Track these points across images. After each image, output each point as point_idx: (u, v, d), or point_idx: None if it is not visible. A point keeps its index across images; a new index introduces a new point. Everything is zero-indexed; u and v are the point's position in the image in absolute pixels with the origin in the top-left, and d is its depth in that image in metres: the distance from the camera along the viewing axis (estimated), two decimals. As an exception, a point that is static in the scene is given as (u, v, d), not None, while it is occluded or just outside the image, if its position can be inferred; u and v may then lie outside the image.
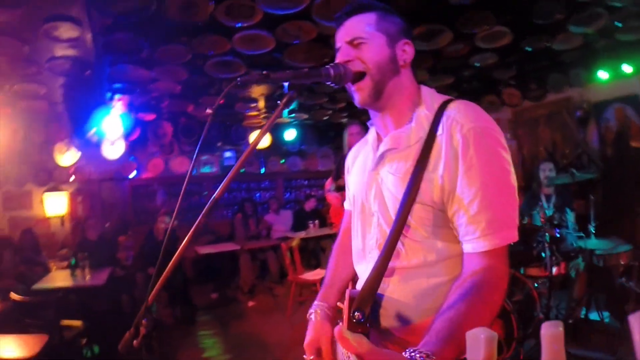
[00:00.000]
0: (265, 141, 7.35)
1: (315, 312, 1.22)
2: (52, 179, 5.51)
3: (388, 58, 1.07)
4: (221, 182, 0.94)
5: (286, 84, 0.98)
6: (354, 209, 1.22)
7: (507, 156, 0.97)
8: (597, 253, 3.55)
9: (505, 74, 5.30)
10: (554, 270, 3.40)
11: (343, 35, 1.09)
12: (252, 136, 7.41)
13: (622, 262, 3.51)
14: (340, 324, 1.09)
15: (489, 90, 6.13)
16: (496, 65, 4.82)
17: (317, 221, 7.35)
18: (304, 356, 1.17)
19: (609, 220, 4.31)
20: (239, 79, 0.97)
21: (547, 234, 3.39)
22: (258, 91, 5.65)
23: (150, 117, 6.22)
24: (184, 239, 0.94)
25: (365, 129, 4.35)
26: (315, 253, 7.24)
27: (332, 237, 6.94)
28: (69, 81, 4.13)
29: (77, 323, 3.12)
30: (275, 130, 7.64)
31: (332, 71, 1.01)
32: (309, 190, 8.78)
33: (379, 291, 1.02)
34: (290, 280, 5.09)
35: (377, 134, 1.17)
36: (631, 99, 5.04)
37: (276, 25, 3.58)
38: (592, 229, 3.56)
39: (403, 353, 0.75)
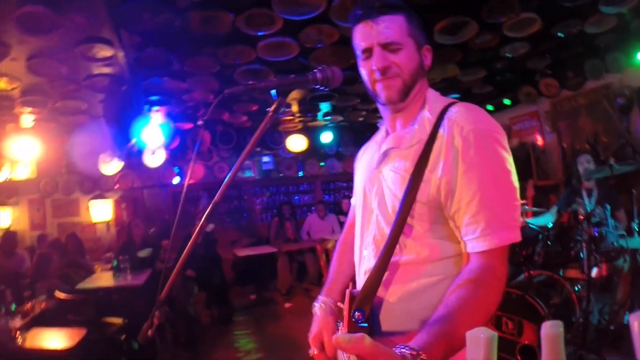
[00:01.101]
0: (302, 144, 7.43)
1: (320, 307, 1.26)
2: (97, 187, 5.90)
3: (418, 65, 1.09)
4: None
5: (274, 91, 1.01)
6: (357, 205, 1.25)
7: (508, 157, 0.97)
8: (641, 253, 3.33)
9: (539, 63, 5.05)
10: (595, 272, 3.19)
11: (375, 35, 1.05)
12: (288, 141, 7.49)
13: None
14: (341, 325, 1.12)
15: (525, 81, 5.87)
16: (529, 54, 4.61)
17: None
18: (309, 351, 1.21)
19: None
20: (226, 91, 1.03)
21: (585, 232, 3.20)
22: (291, 96, 5.74)
23: (188, 125, 6.47)
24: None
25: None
26: (351, 254, 7.22)
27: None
28: (107, 96, 4.40)
29: (117, 320, 3.33)
30: (312, 133, 7.67)
31: (319, 75, 1.03)
32: (347, 192, 8.77)
33: (380, 289, 1.02)
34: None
35: (386, 133, 1.20)
36: None
37: (298, 31, 3.64)
38: (635, 227, 3.34)
39: (394, 349, 0.75)
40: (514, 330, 2.72)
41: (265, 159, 8.21)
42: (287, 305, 5.78)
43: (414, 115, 1.10)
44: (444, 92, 1.18)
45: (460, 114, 1.00)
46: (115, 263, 4.24)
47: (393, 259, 1.01)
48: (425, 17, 3.93)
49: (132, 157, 5.83)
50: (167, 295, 1.02)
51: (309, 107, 6.37)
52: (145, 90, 4.57)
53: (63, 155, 5.53)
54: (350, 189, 8.81)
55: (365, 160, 1.26)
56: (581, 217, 3.34)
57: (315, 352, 1.20)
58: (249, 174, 8.10)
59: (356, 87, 5.30)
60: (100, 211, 5.71)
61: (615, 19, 3.86)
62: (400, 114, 1.13)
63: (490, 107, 6.51)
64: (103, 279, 4.28)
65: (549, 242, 3.47)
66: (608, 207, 3.47)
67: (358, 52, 1.10)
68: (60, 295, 3.26)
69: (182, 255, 1.04)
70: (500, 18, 3.61)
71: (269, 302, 6.05)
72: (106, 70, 3.72)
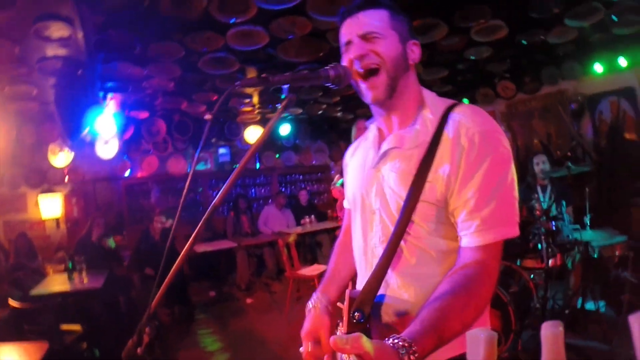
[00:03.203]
0: (259, 136, 7.30)
1: (315, 305, 1.22)
2: (46, 180, 5.45)
3: (401, 55, 1.08)
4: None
5: (286, 86, 0.96)
6: (353, 207, 1.22)
7: (508, 155, 1.00)
8: (593, 245, 3.59)
9: (499, 67, 5.31)
10: (550, 261, 3.42)
11: (355, 29, 1.07)
12: (247, 132, 7.37)
13: (617, 253, 3.55)
14: (340, 324, 1.10)
15: (484, 83, 6.15)
16: (491, 58, 4.82)
17: (312, 216, 7.35)
18: (301, 349, 1.16)
19: (603, 212, 4.35)
20: (237, 82, 0.96)
21: (542, 226, 3.41)
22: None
23: (143, 115, 6.17)
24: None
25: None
26: (311, 248, 7.25)
27: (329, 231, 6.96)
28: (60, 81, 4.07)
29: (76, 327, 3.09)
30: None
31: (332, 72, 1.01)
32: (303, 184, 8.76)
33: (381, 290, 1.02)
34: (287, 277, 5.09)
35: (379, 131, 1.18)
36: (626, 92, 5.12)
37: (270, 21, 3.56)
38: (587, 221, 3.59)
39: (386, 340, 0.77)
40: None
41: (222, 150, 8.03)
42: (248, 300, 5.69)
43: (411, 114, 1.10)
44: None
45: (466, 115, 1.02)
46: (70, 264, 3.93)
47: (396, 258, 1.02)
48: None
49: (84, 147, 5.46)
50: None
51: (269, 99, 6.27)
52: (101, 76, 4.28)
53: (7, 145, 5.05)
54: (306, 181, 8.84)
55: (357, 160, 1.24)
56: (538, 212, 3.57)
57: (309, 349, 1.15)
58: (203, 166, 7.87)
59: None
60: (50, 207, 5.27)
61: (577, 31, 4.13)
62: (395, 112, 1.12)
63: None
64: (57, 282, 3.95)
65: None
66: (564, 203, 3.71)
67: (342, 48, 1.11)
68: (13, 303, 2.96)
69: (176, 263, 0.95)
70: (470, 23, 3.74)
71: (228, 298, 5.93)
72: (62, 51, 3.43)
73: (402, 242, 1.02)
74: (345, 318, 1.02)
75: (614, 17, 3.83)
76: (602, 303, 3.52)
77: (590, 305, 3.53)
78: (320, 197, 8.89)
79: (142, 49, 3.72)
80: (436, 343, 0.81)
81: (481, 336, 0.61)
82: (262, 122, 7.43)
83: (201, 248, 6.02)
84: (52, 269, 4.41)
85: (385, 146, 1.10)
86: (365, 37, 1.05)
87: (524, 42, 4.33)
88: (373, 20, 1.06)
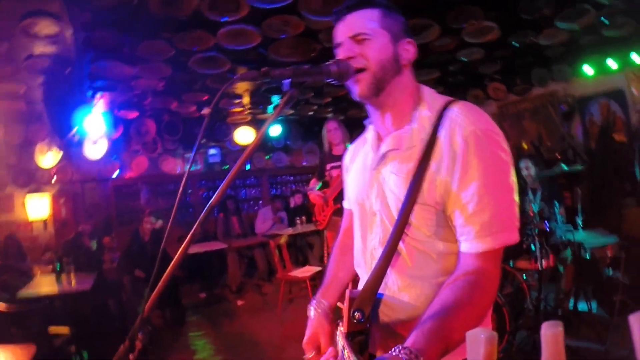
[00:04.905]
0: (250, 137, 7.27)
1: (315, 310, 1.21)
2: (33, 181, 5.35)
3: (391, 57, 1.05)
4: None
5: (287, 81, 0.93)
6: (354, 208, 1.21)
7: (507, 158, 0.97)
8: (585, 246, 3.61)
9: (490, 68, 5.35)
10: (544, 263, 3.43)
11: (345, 30, 1.06)
12: (237, 133, 7.31)
13: (609, 254, 3.57)
14: (340, 324, 1.09)
15: (475, 84, 6.18)
16: (482, 60, 4.85)
17: (303, 217, 7.32)
18: (304, 357, 1.16)
19: (595, 213, 4.38)
20: (237, 75, 0.93)
21: (536, 227, 3.42)
22: (243, 87, 5.58)
23: (132, 114, 6.09)
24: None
25: (344, 125, 4.26)
26: (302, 250, 7.22)
27: (320, 233, 6.93)
28: (48, 80, 4.00)
29: (64, 330, 3.02)
30: (260, 125, 7.50)
31: (333, 68, 0.99)
32: (294, 186, 8.72)
33: (380, 291, 1.02)
34: (279, 278, 5.05)
35: (377, 133, 1.16)
36: (616, 94, 5.18)
37: (262, 20, 3.54)
38: (579, 222, 3.61)
39: (391, 351, 0.77)
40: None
41: (212, 151, 7.97)
42: (239, 302, 5.64)
43: (406, 112, 1.07)
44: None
45: (462, 114, 0.99)
46: (58, 265, 3.84)
47: (394, 259, 1.01)
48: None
49: (72, 147, 5.37)
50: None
51: (260, 99, 6.23)
52: (90, 75, 4.22)
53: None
54: (297, 182, 8.80)
55: (358, 162, 1.23)
56: (531, 214, 3.58)
57: (311, 357, 1.15)
58: (193, 167, 7.80)
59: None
60: (38, 207, 5.17)
61: (567, 33, 4.17)
62: (387, 110, 1.09)
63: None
64: (45, 284, 3.84)
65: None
66: (557, 203, 3.72)
67: (334, 48, 1.10)
68: (0, 306, 2.88)
69: (169, 267, 0.89)
70: (462, 24, 3.76)
71: (220, 299, 5.88)
72: (50, 49, 3.36)
73: (400, 244, 1.01)
74: (345, 318, 1.02)
75: (604, 20, 3.86)
76: (594, 304, 3.54)
77: (582, 306, 3.56)
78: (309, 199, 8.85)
79: (131, 47, 3.68)
80: (441, 352, 0.82)
81: (481, 336, 0.61)
82: (253, 122, 7.38)
83: (192, 249, 5.90)
84: (40, 271, 4.31)
85: (384, 148, 1.08)
86: (355, 38, 1.04)
87: (515, 43, 4.36)
88: (364, 20, 1.04)
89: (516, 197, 0.97)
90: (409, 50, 1.08)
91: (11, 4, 2.55)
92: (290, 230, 6.68)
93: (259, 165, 8.36)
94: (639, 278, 3.36)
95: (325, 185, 4.30)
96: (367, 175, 1.14)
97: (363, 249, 1.15)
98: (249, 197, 8.32)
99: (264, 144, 8.15)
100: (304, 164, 8.83)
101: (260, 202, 8.23)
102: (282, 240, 5.28)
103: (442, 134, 0.98)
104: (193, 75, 4.66)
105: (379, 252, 1.06)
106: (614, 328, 3.11)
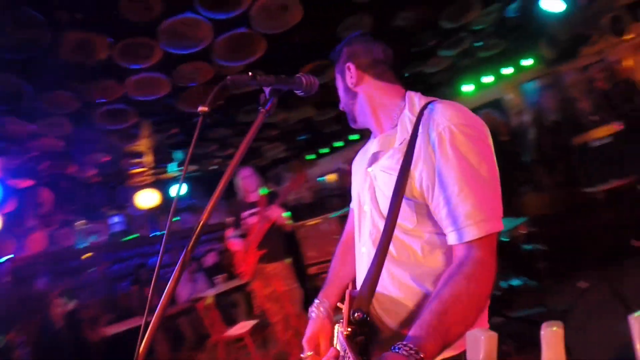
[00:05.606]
0: (154, 200, 6.76)
1: (317, 310, 1.25)
2: None
3: (344, 91, 1.25)
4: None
5: (267, 89, 1.01)
6: (354, 207, 1.30)
7: (486, 150, 1.01)
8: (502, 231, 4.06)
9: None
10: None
11: None
12: (138, 197, 6.64)
13: (523, 232, 3.95)
14: (341, 323, 1.12)
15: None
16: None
17: (221, 276, 7.00)
18: (302, 355, 1.18)
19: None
20: (229, 77, 0.96)
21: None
22: (145, 144, 5.42)
23: (26, 183, 5.54)
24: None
25: (256, 172, 4.21)
26: (226, 309, 6.85)
27: (242, 288, 6.65)
28: None
29: None
30: (164, 186, 7.07)
31: (304, 79, 1.06)
32: (208, 245, 8.39)
33: (378, 289, 1.03)
34: (215, 341, 4.68)
35: (374, 137, 1.28)
36: (494, 103, 6.46)
37: (173, 67, 3.59)
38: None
39: (392, 348, 0.79)
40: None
41: (115, 219, 7.44)
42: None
43: (391, 117, 1.17)
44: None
45: (437, 110, 1.04)
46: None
47: (389, 255, 1.05)
48: (294, 61, 4.25)
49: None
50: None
51: (162, 157, 6.06)
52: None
53: None
54: (210, 241, 8.45)
55: (359, 163, 1.33)
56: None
57: (309, 355, 1.19)
58: (95, 238, 7.15)
59: (216, 132, 5.39)
60: None
61: (449, 59, 4.94)
62: (373, 123, 1.21)
63: (340, 144, 7.52)
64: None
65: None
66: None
67: None
68: None
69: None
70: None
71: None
72: None
73: (391, 240, 1.03)
74: (345, 317, 1.03)
75: (478, 44, 4.68)
76: (524, 278, 3.91)
77: (515, 282, 3.91)
78: (224, 255, 8.55)
79: (32, 99, 3.46)
80: (441, 347, 0.83)
81: (481, 336, 0.63)
82: (156, 184, 6.89)
83: (110, 330, 5.28)
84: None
85: (373, 148, 1.17)
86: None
87: (406, 74, 5.00)
88: (336, 67, 1.26)
89: (496, 186, 1.00)
90: (351, 73, 1.20)
91: None
92: (213, 291, 6.33)
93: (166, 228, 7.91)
94: (551, 244, 3.85)
95: (244, 235, 4.08)
96: (362, 174, 1.24)
97: (360, 247, 1.21)
98: (162, 263, 7.77)
99: (168, 206, 7.75)
100: (210, 222, 8.52)
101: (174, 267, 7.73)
102: (209, 301, 5.00)
103: (420, 131, 1.05)
104: (96, 132, 4.46)
105: (370, 246, 1.14)
106: (547, 290, 3.59)
